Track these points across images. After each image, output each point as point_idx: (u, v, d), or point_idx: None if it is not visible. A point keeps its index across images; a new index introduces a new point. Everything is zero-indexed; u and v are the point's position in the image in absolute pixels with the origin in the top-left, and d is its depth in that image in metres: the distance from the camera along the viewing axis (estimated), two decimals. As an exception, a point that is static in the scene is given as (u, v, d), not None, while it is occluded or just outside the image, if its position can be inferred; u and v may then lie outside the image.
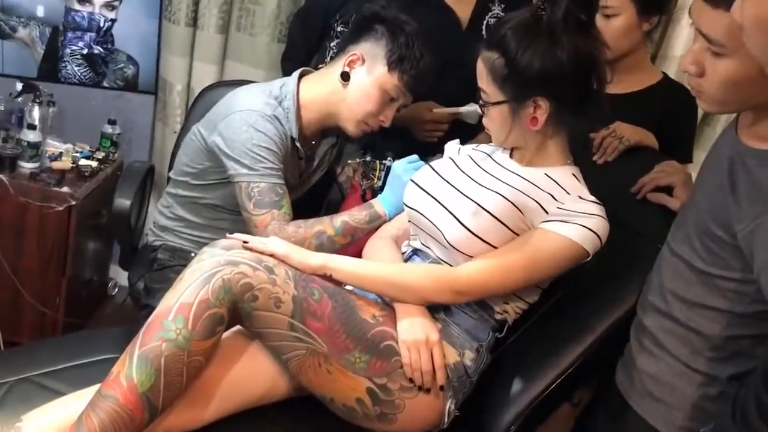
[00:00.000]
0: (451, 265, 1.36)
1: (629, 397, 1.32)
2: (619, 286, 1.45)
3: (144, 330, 1.17)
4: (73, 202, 2.17)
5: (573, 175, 1.38)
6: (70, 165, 2.28)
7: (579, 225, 1.28)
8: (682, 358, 1.23)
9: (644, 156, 1.67)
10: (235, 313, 1.21)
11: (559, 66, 1.26)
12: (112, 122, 2.46)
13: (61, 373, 1.42)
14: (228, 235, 1.29)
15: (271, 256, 1.24)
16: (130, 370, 1.13)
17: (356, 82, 1.66)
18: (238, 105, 1.65)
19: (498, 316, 1.38)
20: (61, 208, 2.16)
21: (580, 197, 1.33)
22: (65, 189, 2.18)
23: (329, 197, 1.98)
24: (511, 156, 1.43)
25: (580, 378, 1.45)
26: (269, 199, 1.58)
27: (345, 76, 1.66)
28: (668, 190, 1.54)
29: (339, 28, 2.19)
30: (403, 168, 1.59)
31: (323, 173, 1.87)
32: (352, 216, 1.61)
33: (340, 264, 1.30)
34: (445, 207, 1.35)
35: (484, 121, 1.39)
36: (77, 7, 2.45)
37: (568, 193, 1.33)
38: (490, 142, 1.50)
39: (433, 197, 1.38)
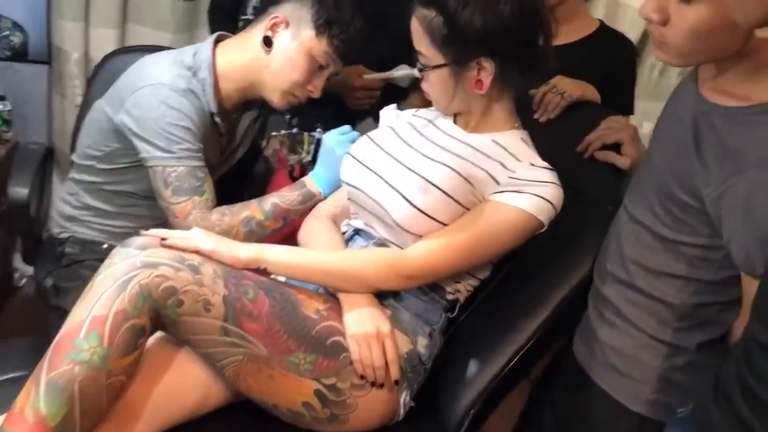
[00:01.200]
0: (398, 246, 1.25)
1: (591, 371, 1.26)
2: (572, 253, 1.38)
3: (51, 351, 1.01)
4: (-37, 194, 1.91)
5: (522, 139, 1.28)
6: (-45, 150, 2.02)
7: (532, 194, 1.19)
8: (648, 329, 1.18)
9: (588, 112, 1.59)
10: (158, 321, 1.06)
11: (503, 22, 1.15)
12: (0, 98, 2.19)
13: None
14: (143, 231, 1.12)
15: (195, 252, 1.09)
16: (37, 401, 0.97)
17: (280, 48, 1.48)
18: (146, 78, 1.45)
19: (449, 296, 1.28)
20: (-51, 202, 1.91)
21: (532, 164, 1.23)
22: (-48, 179, 1.92)
23: (254, 172, 1.81)
24: (455, 122, 1.31)
25: (538, 353, 1.38)
26: (189, 185, 1.41)
27: (267, 42, 1.49)
28: (616, 147, 1.47)
29: None
30: (336, 140, 1.45)
31: (247, 148, 1.70)
32: (283, 197, 1.46)
33: (275, 255, 1.16)
34: (389, 183, 1.22)
35: (424, 86, 1.27)
36: (-54, -32, 2.15)
37: (518, 160, 1.23)
38: (425, 104, 1.38)
39: (375, 173, 1.26)
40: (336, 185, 1.42)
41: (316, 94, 1.53)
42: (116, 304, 1.01)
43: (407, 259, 1.19)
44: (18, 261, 2.51)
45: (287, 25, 1.48)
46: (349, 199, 1.33)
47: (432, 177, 1.20)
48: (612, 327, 1.22)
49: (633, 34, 2.35)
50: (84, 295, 1.04)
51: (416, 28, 1.21)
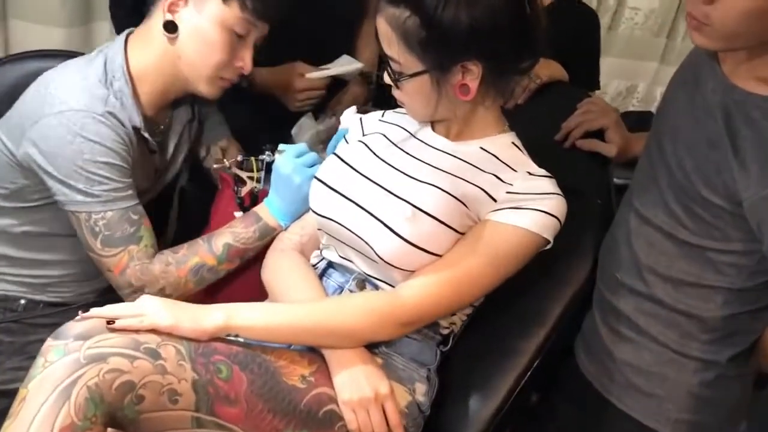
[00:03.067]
0: (384, 282, 1.07)
1: (607, 392, 1.14)
2: (566, 258, 1.23)
3: None
4: None
5: (513, 144, 1.12)
6: None
7: (534, 210, 1.04)
8: (671, 344, 1.07)
9: (560, 93, 1.45)
10: (114, 422, 0.85)
11: (492, 16, 0.96)
12: None
13: None
14: (81, 313, 0.90)
15: (151, 331, 0.88)
16: None
17: (187, 30, 1.22)
18: (52, 103, 1.17)
19: (444, 331, 1.13)
20: None
21: (529, 173, 1.08)
22: None
23: (192, 189, 1.56)
24: (433, 128, 1.14)
25: (540, 374, 1.24)
26: (121, 233, 1.16)
27: (169, 27, 1.22)
28: (599, 134, 1.33)
29: None
30: (292, 166, 1.22)
31: (183, 159, 1.45)
32: (236, 235, 1.23)
33: (247, 319, 0.96)
34: (370, 213, 1.04)
35: (398, 95, 1.08)
36: None
37: (514, 170, 1.08)
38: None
39: (351, 201, 1.07)
40: (296, 215, 1.21)
41: (247, 69, 1.27)
42: (60, 420, 0.80)
43: (403, 305, 1.01)
44: None
45: (186, 0, 1.23)
46: (319, 229, 1.14)
47: (420, 202, 1.02)
48: (629, 343, 1.11)
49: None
50: (14, 411, 0.82)
51: (385, 30, 1.01)
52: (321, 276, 1.14)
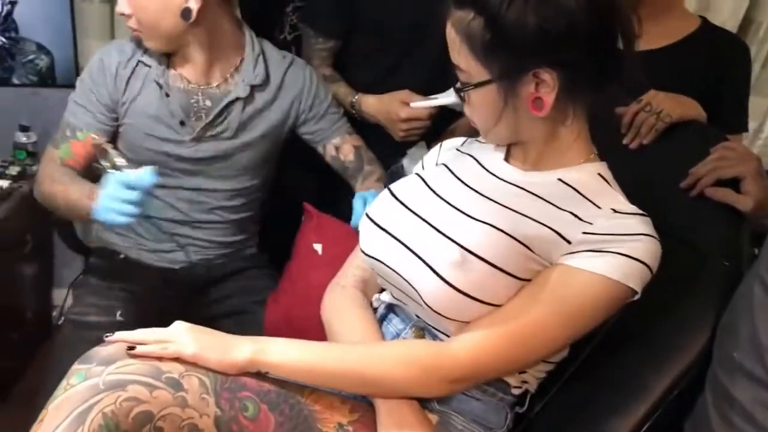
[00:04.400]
0: (440, 331, 0.97)
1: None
2: (679, 326, 1.06)
3: None
4: (-22, 237, 1.76)
5: (599, 175, 0.98)
6: (-25, 188, 1.87)
7: (617, 254, 0.90)
8: (795, 445, 0.86)
9: (692, 135, 1.26)
10: None
11: (567, 18, 0.85)
12: (24, 128, 2.04)
13: None
14: (107, 337, 0.88)
15: (176, 360, 0.85)
16: None
17: None
18: None
19: (516, 390, 1.00)
20: (-36, 246, 1.76)
21: (614, 210, 0.93)
22: (-33, 221, 1.77)
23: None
24: (507, 158, 1.02)
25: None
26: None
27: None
28: (734, 183, 1.14)
29: None
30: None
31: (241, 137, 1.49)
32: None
33: (278, 356, 0.89)
34: (416, 254, 0.94)
35: (466, 110, 0.98)
36: (-35, -9, 2.00)
37: (597, 206, 0.93)
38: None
39: (398, 240, 0.97)
40: None
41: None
42: None
43: (451, 359, 0.90)
44: (57, 298, 2.38)
45: None
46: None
47: (470, 243, 0.90)
48: (742, 437, 0.91)
49: (731, 23, 1.99)
50: (35, 428, 0.81)
51: (452, 36, 0.92)
52: (382, 320, 1.05)
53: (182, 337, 0.87)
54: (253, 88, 1.46)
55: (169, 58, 1.45)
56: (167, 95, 1.42)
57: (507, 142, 1.02)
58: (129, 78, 1.43)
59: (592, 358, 1.11)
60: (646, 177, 1.22)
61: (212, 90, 1.45)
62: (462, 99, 0.96)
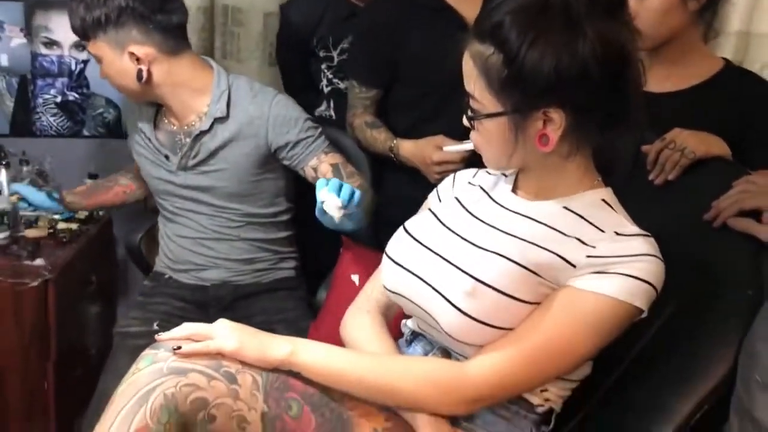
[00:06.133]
0: (460, 355, 1.03)
1: None
2: (703, 353, 1.09)
3: None
4: (48, 276, 1.89)
5: (603, 201, 1.03)
6: (47, 231, 2.02)
7: (621, 275, 0.94)
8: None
9: (716, 170, 1.30)
10: None
11: (581, 65, 0.91)
12: (92, 176, 2.19)
13: None
14: (158, 336, 0.97)
15: (218, 354, 0.93)
16: None
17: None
18: None
19: (539, 408, 1.04)
20: (35, 284, 1.89)
21: (617, 233, 0.98)
22: (38, 261, 1.91)
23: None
24: (515, 189, 1.09)
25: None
26: None
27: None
28: (755, 214, 1.18)
29: (321, 54, 1.92)
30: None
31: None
32: None
33: (310, 358, 0.97)
34: (432, 287, 1.01)
35: (474, 138, 1.05)
36: (44, 51, 2.20)
37: (600, 230, 0.98)
38: None
39: (416, 275, 1.04)
40: None
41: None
42: (136, 421, 0.87)
43: (468, 380, 0.96)
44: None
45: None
46: None
47: (481, 274, 0.97)
48: (764, 459, 0.94)
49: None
50: (106, 409, 0.91)
51: (469, 66, 0.99)
52: (410, 344, 1.12)
53: (224, 333, 0.96)
54: (216, 122, 1.61)
55: (159, 107, 1.71)
56: (149, 139, 1.69)
57: (511, 169, 1.08)
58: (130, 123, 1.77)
59: (618, 382, 1.15)
60: (673, 211, 1.27)
61: (190, 128, 1.64)
62: (472, 127, 1.03)
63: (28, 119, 2.26)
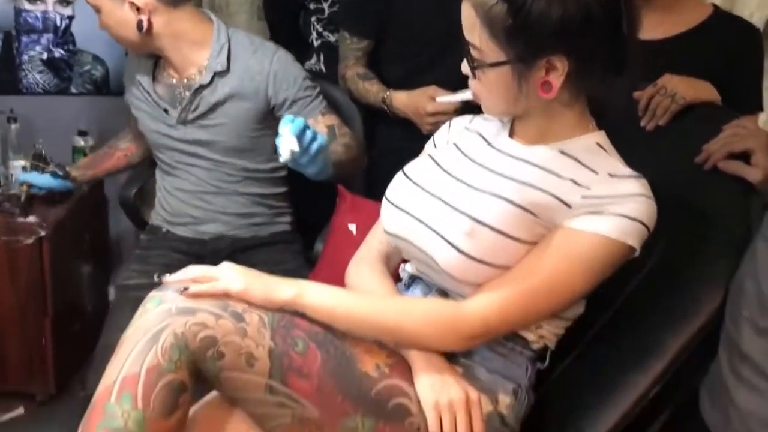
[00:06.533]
0: (459, 294, 1.05)
1: (726, 442, 1.02)
2: (693, 289, 1.13)
3: (84, 422, 0.91)
4: (43, 233, 1.90)
5: (598, 144, 1.05)
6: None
7: (615, 215, 0.97)
8: (801, 393, 0.92)
9: (706, 115, 1.33)
10: (200, 376, 0.94)
11: (585, 11, 0.92)
12: (82, 133, 2.19)
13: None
14: (164, 279, 0.99)
15: (225, 295, 0.96)
16: None
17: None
18: None
19: (535, 345, 1.07)
20: (30, 241, 1.90)
21: (611, 174, 1.00)
22: (32, 218, 1.92)
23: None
24: (511, 134, 1.10)
25: (654, 412, 1.14)
26: None
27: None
28: (744, 157, 1.21)
29: (312, 6, 1.92)
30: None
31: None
32: None
33: (315, 298, 0.99)
34: (432, 228, 1.03)
35: (474, 86, 1.06)
36: (28, 6, 2.17)
37: (595, 172, 1.01)
38: None
39: (415, 218, 1.06)
40: None
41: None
42: (148, 360, 0.90)
43: (467, 317, 0.99)
44: (113, 294, 2.53)
45: None
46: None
47: (479, 214, 0.99)
48: (754, 390, 0.97)
49: (758, 15, 2.04)
50: (116, 351, 0.93)
51: (469, 15, 0.98)
52: (408, 287, 1.15)
53: (230, 274, 0.98)
54: (216, 76, 1.61)
55: (158, 60, 1.70)
56: (147, 92, 1.69)
57: (510, 116, 1.09)
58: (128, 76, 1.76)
59: (612, 321, 1.18)
60: (665, 155, 1.29)
61: (190, 81, 1.64)
62: (474, 75, 1.03)
63: (14, 77, 2.24)
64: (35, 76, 2.25)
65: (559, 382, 1.17)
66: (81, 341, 2.26)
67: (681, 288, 1.14)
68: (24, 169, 1.94)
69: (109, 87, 2.30)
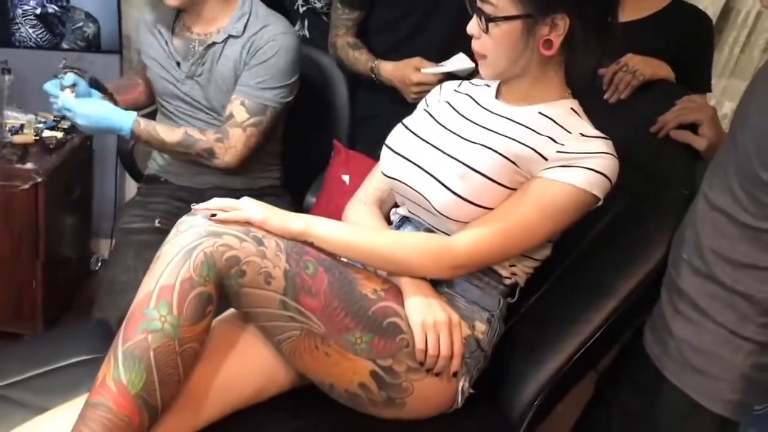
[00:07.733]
0: (445, 233, 1.21)
1: (664, 368, 1.19)
2: (643, 239, 1.30)
3: (125, 324, 1.03)
4: (39, 179, 1.99)
5: (572, 109, 1.21)
6: (33, 138, 2.10)
7: (584, 168, 1.13)
8: (728, 324, 1.10)
9: (662, 91, 1.50)
10: (223, 291, 1.06)
11: None
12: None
13: (30, 382, 1.26)
14: (194, 206, 1.12)
15: (247, 223, 1.09)
16: (116, 371, 0.99)
17: None
18: None
19: (507, 281, 1.24)
20: (26, 187, 1.99)
21: (582, 134, 1.16)
22: (29, 165, 2.00)
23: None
24: (497, 96, 1.26)
25: (606, 345, 1.32)
26: None
27: None
28: (693, 128, 1.38)
29: None
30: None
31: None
32: None
33: (324, 230, 1.14)
34: (428, 172, 1.18)
35: (479, 45, 1.18)
36: (22, -39, 2.22)
37: (568, 131, 1.17)
38: None
39: (413, 163, 1.21)
40: None
41: None
42: (182, 273, 1.02)
43: (453, 249, 1.15)
44: (94, 245, 2.61)
45: None
46: (392, 189, 1.30)
47: (472, 162, 1.15)
48: (688, 321, 1.15)
49: (712, 10, 2.24)
50: (152, 265, 1.05)
51: None
52: (398, 228, 1.29)
53: (251, 206, 1.11)
54: (230, 38, 1.70)
55: (179, 14, 1.77)
56: (166, 42, 1.76)
57: (508, 75, 1.22)
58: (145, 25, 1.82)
59: (574, 265, 1.36)
60: (625, 124, 1.46)
61: (206, 38, 1.73)
62: (486, 30, 1.13)
63: (7, 30, 2.29)
64: (28, 30, 2.30)
65: (526, 316, 1.34)
66: (67, 288, 2.36)
67: (634, 236, 1.31)
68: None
69: (100, 44, 2.36)
